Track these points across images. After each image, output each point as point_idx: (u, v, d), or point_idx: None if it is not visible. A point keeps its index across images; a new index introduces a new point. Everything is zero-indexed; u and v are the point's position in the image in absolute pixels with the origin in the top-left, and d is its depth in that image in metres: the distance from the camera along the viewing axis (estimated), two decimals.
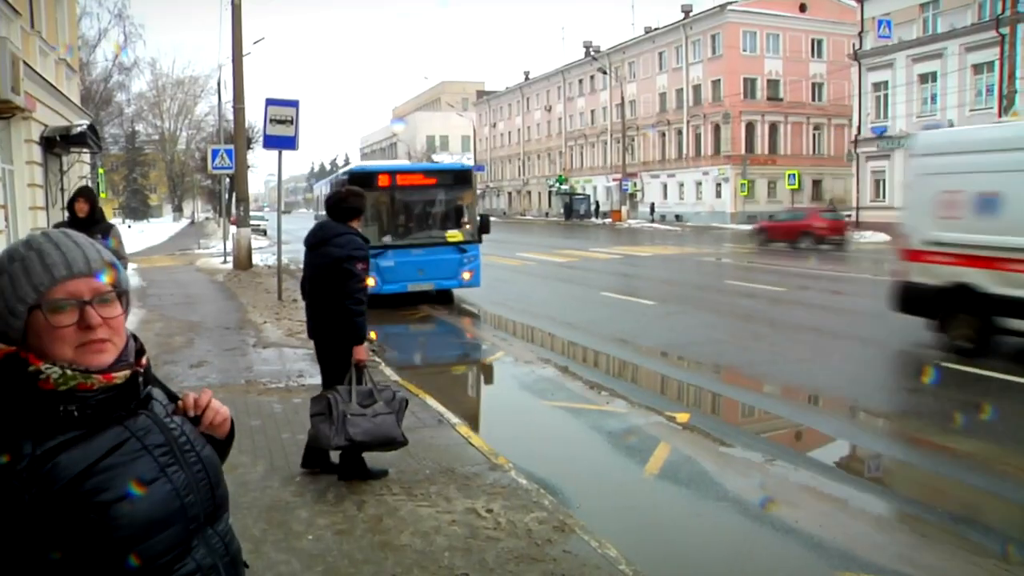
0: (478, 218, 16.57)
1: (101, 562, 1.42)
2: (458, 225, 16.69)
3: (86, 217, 7.75)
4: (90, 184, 18.26)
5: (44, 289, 1.47)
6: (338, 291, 5.69)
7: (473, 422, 7.88)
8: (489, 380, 10.97)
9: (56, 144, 17.80)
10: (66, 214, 8.48)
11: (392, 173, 16.64)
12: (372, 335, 8.42)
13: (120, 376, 1.51)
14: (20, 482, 1.36)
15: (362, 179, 15.41)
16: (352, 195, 5.99)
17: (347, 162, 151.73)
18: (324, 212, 6.38)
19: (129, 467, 1.47)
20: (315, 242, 5.92)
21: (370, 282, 12.99)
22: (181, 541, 1.53)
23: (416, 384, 9.21)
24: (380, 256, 14.83)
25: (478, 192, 18.65)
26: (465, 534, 4.98)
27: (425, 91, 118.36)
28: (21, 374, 1.43)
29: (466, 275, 16.17)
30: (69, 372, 1.45)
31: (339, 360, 5.76)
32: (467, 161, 61.07)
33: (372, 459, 5.87)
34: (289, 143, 15.48)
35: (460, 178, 17.15)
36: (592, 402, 8.84)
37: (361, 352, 5.74)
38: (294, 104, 15.55)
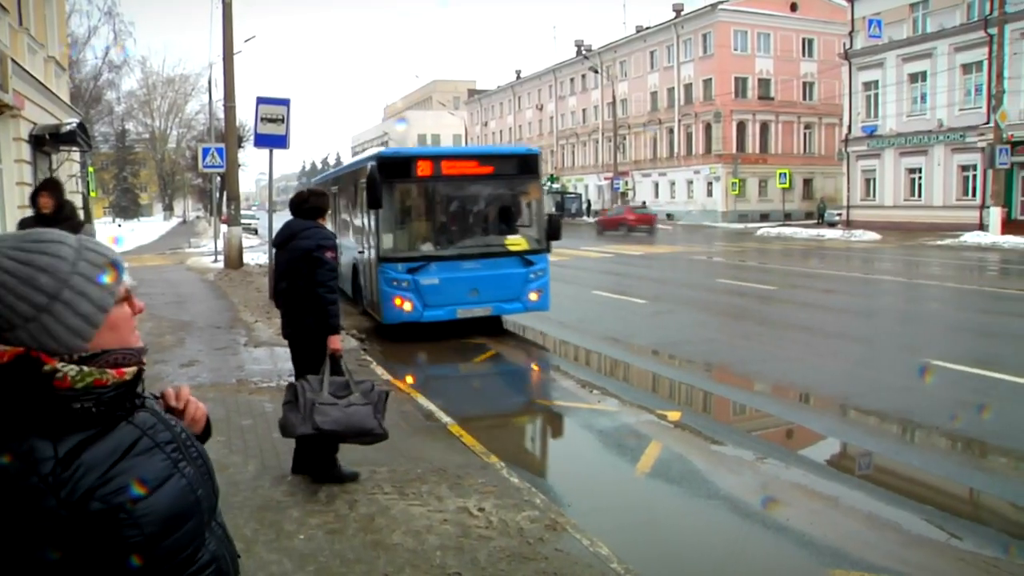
0: (546, 219, 12.94)
1: (132, 561, 1.42)
2: (520, 228, 13.07)
3: (51, 213, 7.03)
4: (80, 182, 18.14)
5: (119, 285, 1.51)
6: (310, 281, 5.73)
7: (465, 423, 7.87)
8: (479, 377, 10.95)
9: (45, 142, 17.71)
10: (31, 210, 7.49)
11: (435, 159, 12.69)
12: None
13: (130, 372, 1.50)
14: (47, 486, 1.34)
15: (394, 166, 12.29)
16: (313, 195, 6.13)
17: (338, 161, 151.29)
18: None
19: (147, 464, 1.48)
20: (282, 240, 5.99)
21: (406, 306, 11.84)
22: (199, 534, 1.56)
23: (406, 383, 9.21)
24: (420, 271, 11.82)
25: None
26: (457, 533, 4.97)
27: (417, 89, 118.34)
28: (33, 375, 1.40)
29: (533, 295, 12.45)
30: (86, 369, 1.43)
31: (315, 355, 5.75)
32: None
33: (360, 456, 5.83)
34: (280, 142, 15.39)
35: (525, 165, 13.04)
36: (584, 400, 8.84)
37: (335, 342, 5.74)
38: (285, 102, 15.46)
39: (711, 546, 5.49)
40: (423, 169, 12.31)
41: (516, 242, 12.63)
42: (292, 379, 6.08)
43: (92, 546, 1.38)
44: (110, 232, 51.07)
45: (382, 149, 14.99)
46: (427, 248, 12.36)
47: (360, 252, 13.97)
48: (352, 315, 14.04)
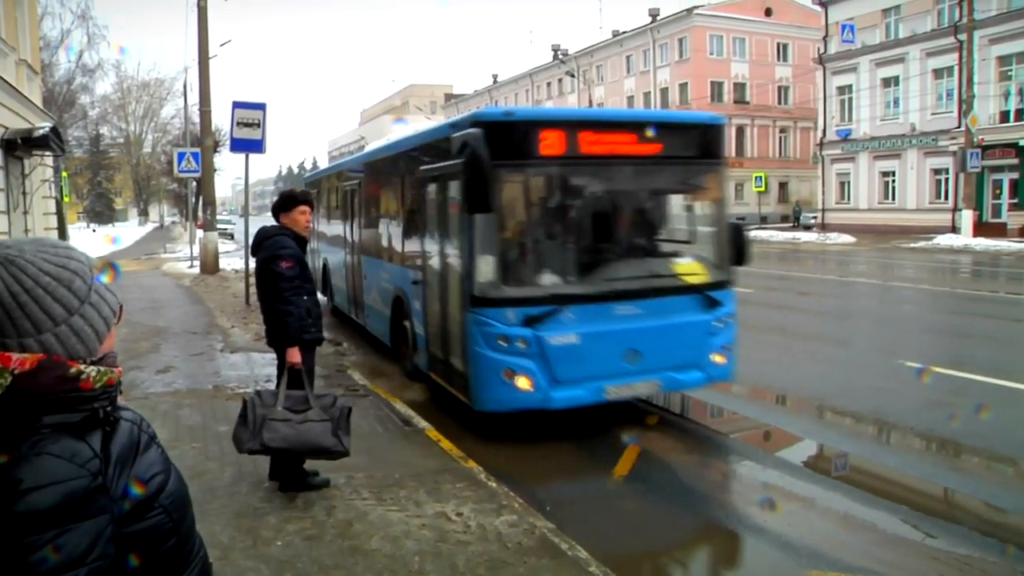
0: (728, 230, 8.17)
1: (167, 543, 1.53)
2: (691, 246, 8.48)
3: None
4: (53, 187, 17.93)
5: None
6: (267, 293, 5.69)
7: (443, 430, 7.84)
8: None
9: (17, 147, 17.53)
10: None
11: (571, 125, 7.49)
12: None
13: (120, 372, 1.56)
14: (99, 483, 1.40)
15: (505, 137, 7.18)
16: (280, 198, 5.99)
17: (315, 165, 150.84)
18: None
19: (154, 456, 1.57)
20: (253, 249, 5.94)
21: (521, 382, 6.87)
22: (194, 521, 1.66)
23: (381, 387, 9.19)
24: (547, 322, 7.08)
25: None
26: (435, 538, 4.96)
27: (393, 94, 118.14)
28: (60, 378, 1.43)
29: (718, 357, 7.80)
30: (102, 369, 1.49)
31: (302, 362, 5.69)
32: None
33: (337, 462, 5.80)
34: (256, 146, 15.36)
35: (706, 142, 7.98)
36: None
37: (293, 355, 5.63)
38: (261, 107, 15.44)
39: (690, 548, 5.51)
40: (551, 144, 7.19)
41: (691, 269, 8.01)
42: (270, 385, 6.03)
43: (134, 537, 1.46)
44: (108, 232, 50.52)
45: (480, 109, 8.98)
46: (555, 282, 7.39)
47: (416, 282, 8.86)
48: (389, 375, 10.14)
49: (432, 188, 8.37)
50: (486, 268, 7.13)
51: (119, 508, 1.42)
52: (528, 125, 7.27)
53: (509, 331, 6.93)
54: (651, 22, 60.67)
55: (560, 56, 68.36)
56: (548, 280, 7.37)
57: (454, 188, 7.63)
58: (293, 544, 4.88)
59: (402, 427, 7.51)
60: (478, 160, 6.73)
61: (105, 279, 1.55)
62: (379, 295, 10.81)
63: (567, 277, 7.45)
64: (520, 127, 7.26)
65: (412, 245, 9.18)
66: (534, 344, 6.95)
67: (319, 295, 13.10)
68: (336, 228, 14.46)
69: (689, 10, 56.27)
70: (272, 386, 6.37)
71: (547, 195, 7.75)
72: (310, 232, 6.04)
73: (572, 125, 7.38)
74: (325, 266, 15.74)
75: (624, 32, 64.09)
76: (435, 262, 8.22)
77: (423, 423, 7.64)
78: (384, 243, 10.69)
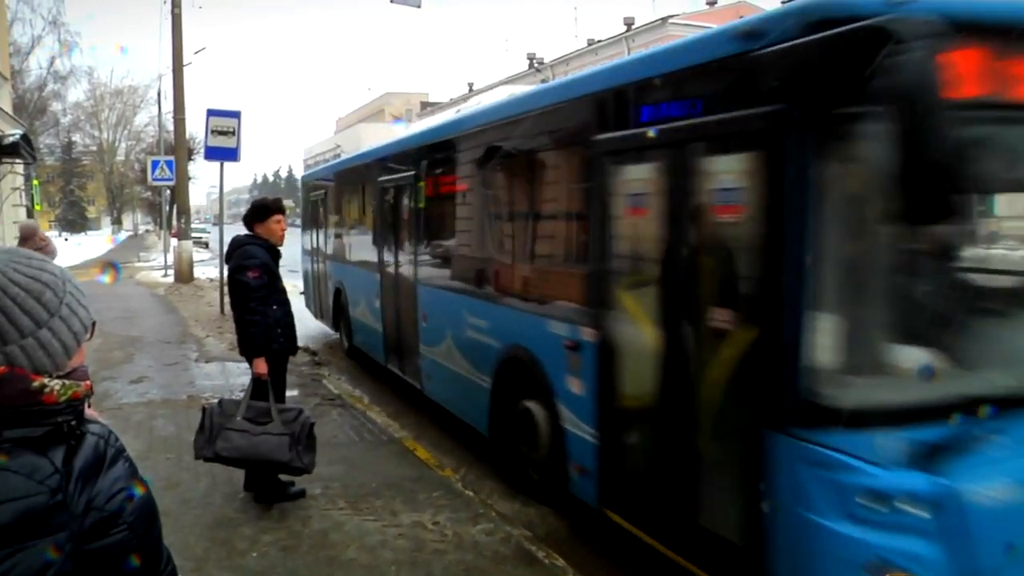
0: None
1: (132, 562, 1.49)
2: None
3: None
4: (24, 195, 17.75)
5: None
6: (235, 303, 5.66)
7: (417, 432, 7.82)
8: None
9: None
10: None
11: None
12: None
13: (87, 385, 1.54)
14: (58, 500, 1.37)
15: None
16: (253, 207, 5.94)
17: (290, 173, 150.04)
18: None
19: (120, 470, 1.53)
20: (227, 258, 5.91)
21: None
22: (161, 535, 1.63)
23: (357, 396, 9.16)
24: (963, 462, 3.29)
25: None
26: (412, 547, 4.96)
27: (369, 102, 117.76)
28: (22, 391, 1.41)
29: None
30: (67, 382, 1.46)
31: (271, 374, 5.64)
32: None
33: (314, 475, 5.77)
34: (231, 154, 15.27)
35: None
36: None
37: (260, 365, 5.56)
38: (236, 115, 15.35)
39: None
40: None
41: None
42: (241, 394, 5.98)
43: (95, 555, 1.43)
44: (107, 232, 49.87)
45: None
46: (981, 370, 3.67)
47: (575, 346, 5.33)
48: (365, 384, 9.98)
49: (656, 171, 4.43)
50: (839, 339, 3.41)
51: (80, 525, 1.40)
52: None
53: (889, 480, 3.27)
54: (626, 31, 60.95)
55: (536, 64, 68.64)
56: (969, 366, 3.60)
57: (747, 166, 3.85)
58: (268, 555, 4.85)
59: (378, 436, 7.49)
60: (930, 101, 2.92)
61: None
62: (464, 351, 7.10)
63: (1002, 359, 3.68)
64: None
65: (568, 277, 5.51)
66: (942, 507, 3.23)
67: (330, 327, 12.71)
68: (362, 242, 10.79)
69: (664, 19, 56.59)
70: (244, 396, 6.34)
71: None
72: (281, 243, 5.95)
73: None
74: (339, 293, 11.94)
75: (599, 41, 64.35)
76: (649, 308, 4.52)
77: (399, 432, 7.63)
78: (481, 268, 7.00)
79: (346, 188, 12.16)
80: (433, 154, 8.19)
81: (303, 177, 17.06)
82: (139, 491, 1.53)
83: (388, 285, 9.52)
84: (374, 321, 10.06)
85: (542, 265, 6.00)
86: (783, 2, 4.38)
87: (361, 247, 10.87)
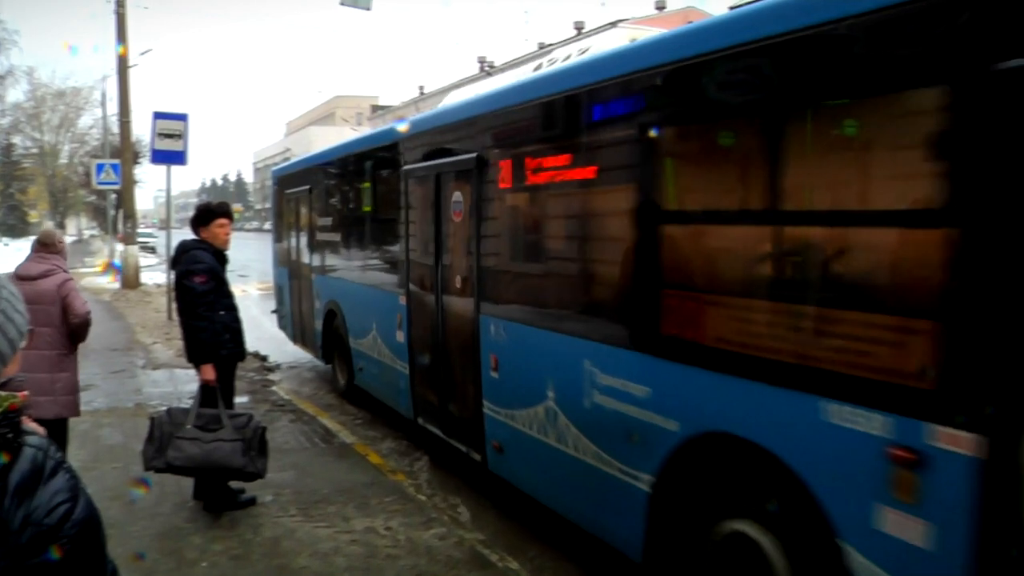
0: None
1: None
2: None
3: None
4: None
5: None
6: (181, 309, 5.59)
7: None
8: None
9: None
10: None
11: None
12: None
13: (24, 395, 1.50)
14: (2, 512, 1.35)
15: None
16: (197, 211, 5.89)
17: (239, 177, 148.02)
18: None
19: (57, 485, 1.48)
20: (173, 263, 5.84)
21: None
22: (104, 547, 1.58)
23: (308, 403, 9.10)
24: None
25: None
26: (364, 553, 4.94)
27: (319, 105, 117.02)
28: None
29: None
30: (3, 393, 1.43)
31: (219, 380, 5.58)
32: None
33: (265, 482, 5.72)
34: (178, 158, 15.12)
35: None
36: None
37: (207, 372, 5.50)
38: (183, 118, 15.21)
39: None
40: None
41: None
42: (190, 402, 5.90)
43: (35, 570, 1.38)
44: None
45: None
46: None
47: None
48: (316, 389, 9.96)
49: None
50: None
51: (16, 540, 1.36)
52: None
53: None
54: (576, 35, 61.42)
55: (486, 68, 68.77)
56: None
57: None
58: (219, 564, 4.79)
59: (330, 442, 7.45)
60: None
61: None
62: (586, 426, 4.74)
63: None
64: None
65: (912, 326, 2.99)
66: None
67: (316, 356, 10.33)
68: (372, 252, 8.62)
69: (614, 23, 57.08)
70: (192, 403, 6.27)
71: None
72: (226, 247, 5.88)
73: None
74: (333, 317, 9.60)
75: (550, 45, 64.71)
76: None
77: (350, 438, 7.60)
78: (632, 296, 4.38)
79: (346, 181, 9.58)
80: (536, 119, 5.36)
81: (276, 171, 13.11)
82: (81, 503, 1.49)
83: (420, 310, 7.08)
84: (393, 358, 7.69)
85: (819, 301, 3.34)
86: (731, 7, 4.48)
87: (371, 258, 8.58)
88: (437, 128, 7.03)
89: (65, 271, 5.64)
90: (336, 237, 9.66)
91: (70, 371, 5.58)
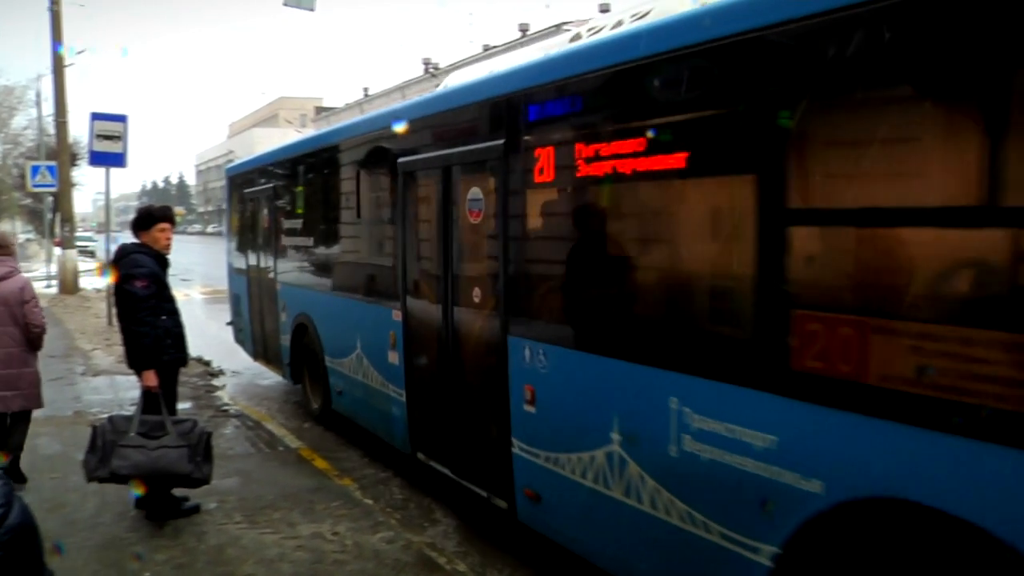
0: None
1: None
2: None
3: None
4: None
5: None
6: (122, 314, 5.50)
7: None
8: None
9: None
10: None
11: None
12: None
13: None
14: None
15: None
16: (138, 215, 5.79)
17: (181, 180, 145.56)
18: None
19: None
20: (112, 267, 5.72)
21: None
22: (41, 556, 1.61)
23: (253, 407, 9.01)
24: None
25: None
26: (311, 559, 4.90)
27: (262, 107, 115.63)
28: None
29: None
30: None
31: (162, 386, 5.48)
32: None
33: (208, 486, 5.63)
34: (117, 160, 14.88)
35: None
36: None
37: (149, 378, 5.41)
38: (122, 119, 14.99)
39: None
40: None
41: None
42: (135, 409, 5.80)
43: None
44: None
45: None
46: None
47: None
48: (260, 394, 9.80)
49: None
50: None
51: None
52: None
53: None
54: (521, 37, 61.61)
55: (431, 70, 68.61)
56: None
57: None
58: (162, 574, 4.72)
59: (275, 447, 7.39)
60: None
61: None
62: (678, 486, 3.74)
63: None
64: None
65: None
66: None
67: (283, 375, 9.31)
68: (355, 259, 7.71)
69: (558, 26, 57.39)
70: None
71: None
72: (168, 251, 5.80)
73: None
74: (303, 331, 8.58)
75: (494, 47, 64.83)
76: None
77: (296, 442, 7.54)
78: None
79: (320, 178, 8.47)
80: (598, 95, 4.27)
81: (231, 169, 12.00)
82: (15, 511, 1.48)
83: (421, 328, 6.10)
84: (384, 383, 6.70)
85: None
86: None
87: (353, 266, 7.66)
88: (447, 111, 5.81)
89: (21, 273, 6.20)
90: (308, 242, 8.60)
91: (33, 367, 6.30)
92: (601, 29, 4.95)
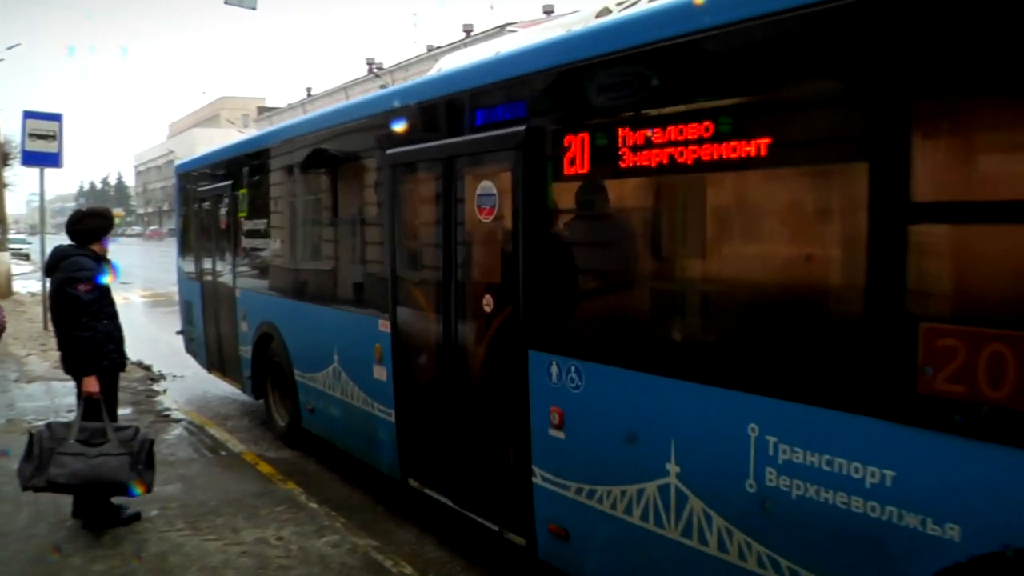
0: None
1: None
2: None
3: None
4: None
5: None
6: (62, 318, 5.34)
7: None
8: None
9: None
10: None
11: None
12: None
13: None
14: None
15: None
16: (88, 215, 5.65)
17: (120, 179, 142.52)
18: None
19: None
20: (48, 270, 5.59)
21: None
22: None
23: (195, 412, 8.86)
24: None
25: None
26: (255, 565, 4.83)
27: (203, 106, 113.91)
28: None
29: None
30: None
31: (102, 392, 5.34)
32: None
33: (150, 496, 5.52)
34: (52, 160, 14.61)
35: None
36: None
37: (90, 384, 5.28)
38: (57, 118, 14.72)
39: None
40: None
41: None
42: (72, 416, 5.65)
43: None
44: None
45: None
46: None
47: None
48: (202, 398, 9.58)
49: None
50: None
51: None
52: None
53: None
54: (465, 37, 61.54)
55: (375, 70, 68.20)
56: None
57: None
58: None
59: (217, 452, 7.26)
60: None
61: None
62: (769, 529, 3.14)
63: None
64: None
65: None
66: None
67: (245, 391, 8.55)
68: (320, 261, 7.16)
69: (502, 27, 57.44)
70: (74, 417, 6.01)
71: None
72: (107, 253, 5.66)
73: None
74: (268, 341, 7.86)
75: (438, 47, 64.67)
76: None
77: (239, 447, 7.43)
78: None
79: (289, 173, 7.70)
80: (650, 73, 3.61)
81: (181, 166, 11.22)
82: None
83: (415, 340, 5.48)
84: (368, 400, 6.04)
85: None
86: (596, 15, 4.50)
87: (329, 269, 6.92)
88: (448, 96, 5.13)
89: None
90: (275, 244, 7.88)
91: None
92: (638, 1, 4.30)
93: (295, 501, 5.94)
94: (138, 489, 5.14)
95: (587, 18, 4.71)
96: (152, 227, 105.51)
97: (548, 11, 55.49)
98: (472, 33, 60.93)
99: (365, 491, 6.51)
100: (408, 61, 67.35)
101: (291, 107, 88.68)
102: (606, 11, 4.56)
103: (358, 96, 6.56)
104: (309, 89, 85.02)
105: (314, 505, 5.86)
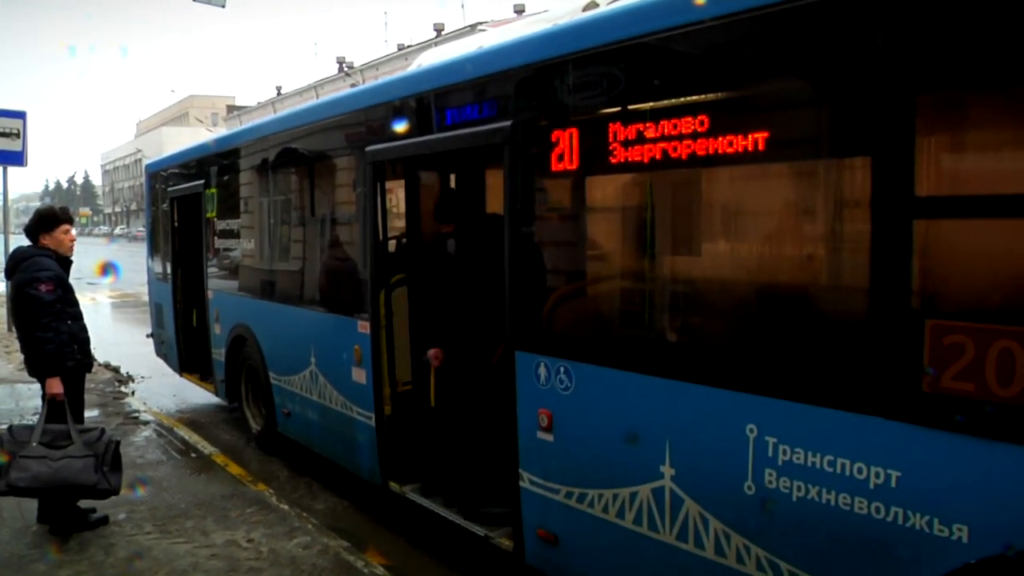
0: None
1: None
2: None
3: None
4: None
5: None
6: (24, 320, 5.25)
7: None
8: None
9: None
10: None
11: None
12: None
13: None
14: None
15: None
16: (39, 217, 5.58)
17: (87, 178, 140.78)
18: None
19: None
20: (8, 271, 5.47)
21: None
22: None
23: (164, 413, 8.76)
24: None
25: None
26: (226, 568, 4.78)
27: (172, 105, 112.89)
28: None
29: None
30: None
31: (67, 394, 5.25)
32: None
33: (118, 500, 5.44)
34: (16, 158, 14.51)
35: None
36: None
37: (55, 385, 5.19)
38: (20, 115, 14.57)
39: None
40: None
41: None
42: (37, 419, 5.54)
43: None
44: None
45: None
46: None
47: None
48: (171, 399, 9.58)
49: None
50: None
51: None
52: None
53: None
54: (436, 36, 61.39)
55: (345, 68, 67.92)
56: None
57: None
58: None
59: (188, 455, 7.18)
60: None
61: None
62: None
63: None
64: None
65: None
66: None
67: (219, 395, 8.42)
68: (295, 263, 6.93)
69: (473, 26, 57.37)
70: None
71: None
72: (71, 253, 5.59)
73: None
74: (242, 344, 7.70)
75: (409, 46, 64.50)
76: None
77: (209, 448, 7.35)
78: None
79: (263, 173, 7.41)
80: (643, 65, 3.49)
81: (151, 165, 10.99)
82: None
83: (396, 341, 5.42)
84: (347, 403, 5.90)
85: None
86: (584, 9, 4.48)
87: (304, 271, 6.71)
88: (429, 91, 4.91)
89: None
90: (248, 245, 7.65)
91: None
92: None
93: (266, 503, 5.88)
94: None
95: (574, 11, 4.61)
96: (140, 227, 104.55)
97: (519, 10, 55.44)
98: (443, 32, 60.80)
99: (340, 495, 6.43)
100: (379, 60, 67.11)
101: (261, 106, 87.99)
102: (593, 4, 4.52)
103: (329, 95, 6.36)
104: (279, 88, 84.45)
105: (285, 506, 5.81)
